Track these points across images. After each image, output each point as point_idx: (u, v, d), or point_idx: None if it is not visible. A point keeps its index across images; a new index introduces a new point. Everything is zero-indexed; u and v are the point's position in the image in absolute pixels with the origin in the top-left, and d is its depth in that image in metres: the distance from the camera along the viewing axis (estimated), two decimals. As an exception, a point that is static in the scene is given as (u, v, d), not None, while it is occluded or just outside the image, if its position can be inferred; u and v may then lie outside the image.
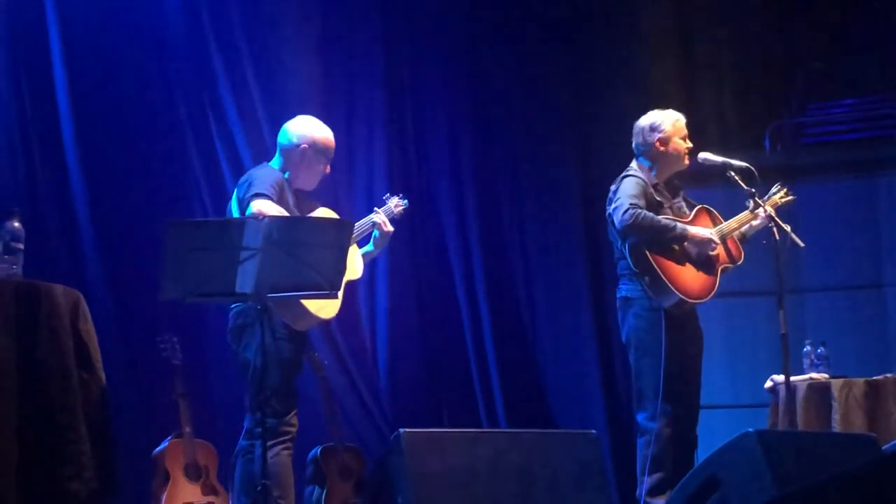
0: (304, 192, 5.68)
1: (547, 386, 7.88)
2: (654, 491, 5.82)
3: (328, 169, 5.69)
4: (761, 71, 8.39)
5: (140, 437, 6.68)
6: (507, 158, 8.03)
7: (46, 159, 6.95)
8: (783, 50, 8.38)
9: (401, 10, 8.04)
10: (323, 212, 5.64)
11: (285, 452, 5.35)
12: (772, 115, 8.36)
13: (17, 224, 4.72)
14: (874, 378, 6.62)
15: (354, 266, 5.60)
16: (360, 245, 5.74)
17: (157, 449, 6.45)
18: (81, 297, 4.75)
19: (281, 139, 5.68)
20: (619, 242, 5.93)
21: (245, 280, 4.69)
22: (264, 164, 5.72)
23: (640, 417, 5.92)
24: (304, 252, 4.73)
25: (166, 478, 6.37)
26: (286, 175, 5.60)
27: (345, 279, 5.44)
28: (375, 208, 5.82)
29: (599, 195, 6.25)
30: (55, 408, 4.55)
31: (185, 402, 6.47)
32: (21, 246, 4.74)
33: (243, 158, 7.37)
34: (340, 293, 5.44)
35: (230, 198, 7.31)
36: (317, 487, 6.59)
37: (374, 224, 5.73)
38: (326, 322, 6.27)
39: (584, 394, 7.83)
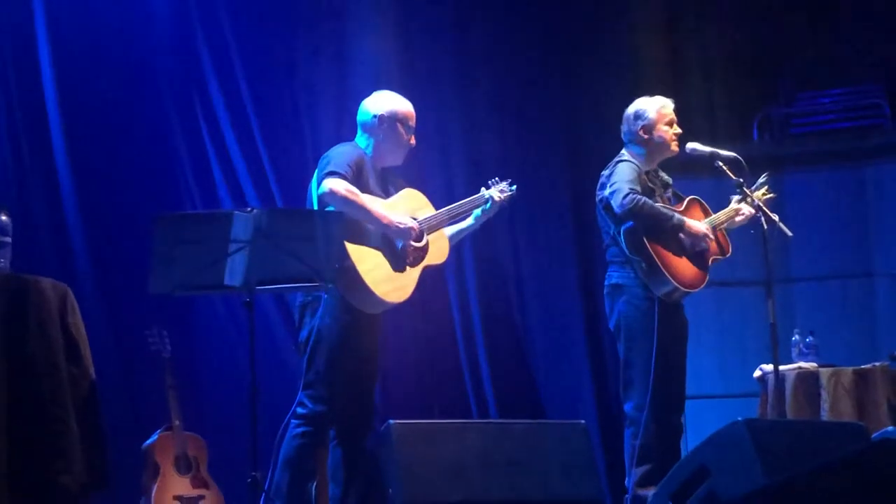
0: (390, 169, 5.61)
1: (537, 376, 7.86)
2: (643, 481, 5.82)
3: (413, 140, 5.62)
4: (749, 61, 8.38)
5: (130, 430, 6.68)
6: (495, 150, 8.01)
7: (34, 153, 6.94)
8: (771, 40, 8.37)
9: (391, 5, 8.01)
10: (409, 192, 5.57)
11: (308, 438, 5.31)
12: (760, 104, 8.36)
13: (4, 217, 4.72)
14: (863, 367, 6.64)
15: (436, 250, 5.55)
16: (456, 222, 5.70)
17: (147, 442, 6.44)
18: (69, 290, 4.75)
19: (360, 117, 5.59)
20: (612, 228, 5.92)
21: (234, 272, 4.68)
22: (350, 141, 5.60)
23: (628, 407, 5.92)
24: (294, 244, 4.71)
25: (156, 471, 6.36)
26: (369, 153, 5.51)
27: (426, 262, 5.51)
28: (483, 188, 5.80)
29: (588, 185, 6.23)
30: (45, 401, 4.55)
31: (174, 394, 6.46)
32: (8, 239, 4.74)
33: (231, 152, 7.36)
34: (417, 275, 5.44)
35: (218, 191, 7.39)
36: (307, 479, 6.57)
37: (488, 199, 5.74)
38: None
39: (573, 384, 7.81)
